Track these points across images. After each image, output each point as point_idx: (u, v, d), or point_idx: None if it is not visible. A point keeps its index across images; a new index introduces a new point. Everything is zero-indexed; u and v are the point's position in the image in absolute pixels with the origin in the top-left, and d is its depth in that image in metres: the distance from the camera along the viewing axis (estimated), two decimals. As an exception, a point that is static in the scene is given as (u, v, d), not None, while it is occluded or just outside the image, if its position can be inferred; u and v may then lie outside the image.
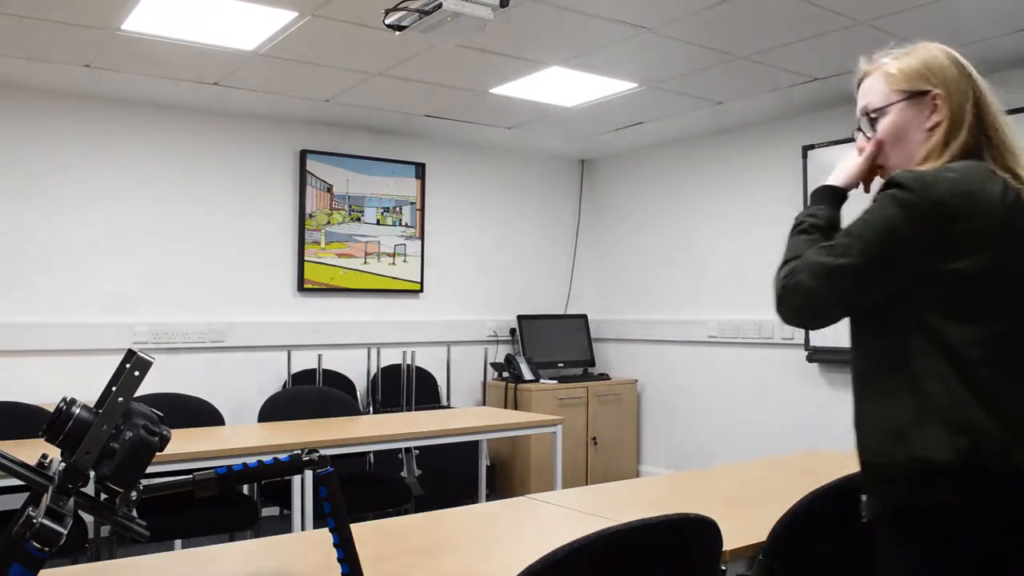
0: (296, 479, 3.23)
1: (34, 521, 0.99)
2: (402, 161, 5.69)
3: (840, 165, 1.57)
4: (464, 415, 4.41)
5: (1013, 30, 3.60)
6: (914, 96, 1.45)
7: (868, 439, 1.42)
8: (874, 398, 1.42)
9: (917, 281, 1.34)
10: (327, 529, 1.28)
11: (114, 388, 1.08)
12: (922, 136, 1.44)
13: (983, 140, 1.41)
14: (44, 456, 1.11)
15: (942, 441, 1.30)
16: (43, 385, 4.28)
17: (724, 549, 1.52)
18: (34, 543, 0.98)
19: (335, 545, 1.27)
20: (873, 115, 1.50)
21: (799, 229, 1.50)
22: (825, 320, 1.45)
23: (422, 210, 5.78)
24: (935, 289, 1.34)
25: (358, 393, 5.31)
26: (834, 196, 1.54)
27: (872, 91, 1.50)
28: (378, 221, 5.60)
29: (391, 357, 5.45)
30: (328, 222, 5.40)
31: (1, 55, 3.91)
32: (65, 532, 1.00)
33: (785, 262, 1.45)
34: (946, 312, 1.33)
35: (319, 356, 5.13)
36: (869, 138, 1.51)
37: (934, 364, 1.33)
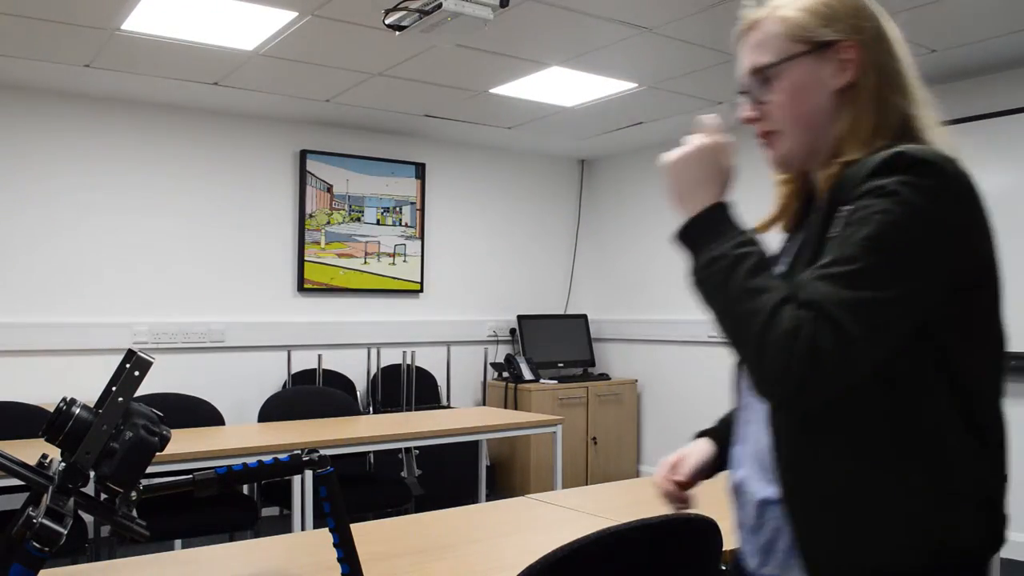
0: (296, 479, 3.23)
1: (34, 521, 0.99)
2: (402, 161, 5.69)
3: (699, 172, 1.12)
4: (464, 415, 4.41)
5: (1013, 30, 3.60)
6: (819, 48, 1.10)
7: (848, 532, 1.01)
8: (862, 472, 1.01)
9: (952, 302, 0.99)
10: (327, 529, 1.28)
11: (114, 388, 1.08)
12: (827, 103, 1.10)
13: (910, 113, 1.10)
14: (44, 456, 1.11)
15: (970, 520, 1.00)
16: (43, 385, 4.28)
17: (724, 549, 1.52)
18: (34, 543, 0.98)
19: (335, 545, 1.27)
20: (762, 76, 1.14)
21: (749, 267, 0.99)
22: (858, 379, 0.95)
23: (422, 210, 5.78)
24: (969, 311, 1.01)
25: (358, 393, 5.31)
26: (733, 213, 1.08)
27: (764, 44, 1.13)
28: (378, 221, 5.60)
29: (391, 357, 5.45)
30: (328, 222, 5.40)
31: (1, 55, 3.91)
32: (65, 532, 1.00)
33: (758, 313, 0.95)
34: (972, 343, 1.02)
35: (319, 356, 5.13)
36: (761, 104, 1.16)
37: (953, 414, 1.00)
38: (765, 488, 1.09)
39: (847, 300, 0.92)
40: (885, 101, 1.08)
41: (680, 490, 1.37)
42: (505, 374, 5.78)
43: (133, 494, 1.13)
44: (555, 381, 5.76)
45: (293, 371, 5.12)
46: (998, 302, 1.04)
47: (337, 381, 5.18)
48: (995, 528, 1.02)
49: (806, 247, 1.06)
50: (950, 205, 0.97)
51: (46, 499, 1.03)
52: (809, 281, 0.96)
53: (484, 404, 5.88)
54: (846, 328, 0.91)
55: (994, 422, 1.04)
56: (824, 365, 0.91)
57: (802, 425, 1.04)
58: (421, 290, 5.78)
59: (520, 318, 6.05)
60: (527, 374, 5.68)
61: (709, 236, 1.04)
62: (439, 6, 2.61)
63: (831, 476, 1.02)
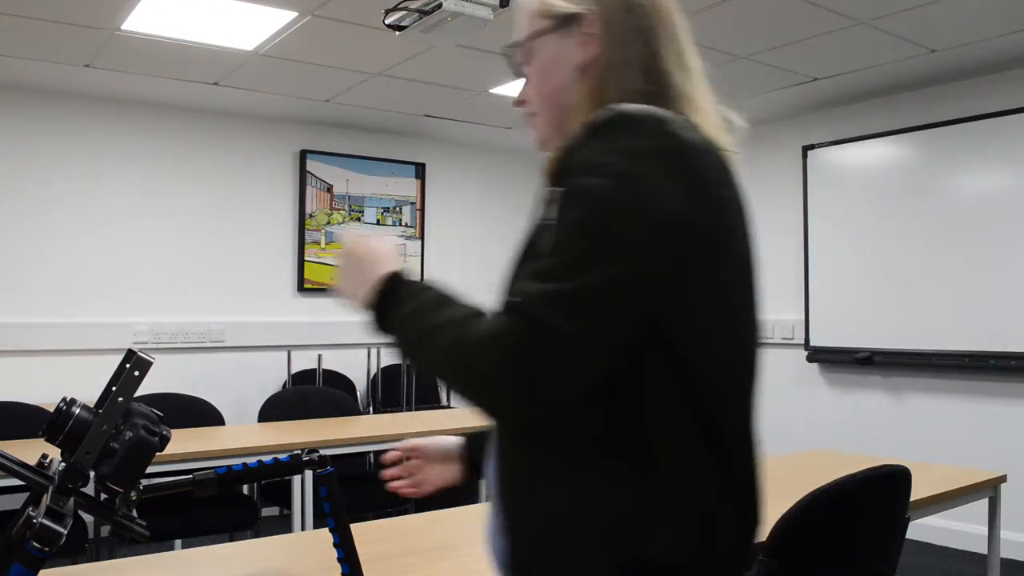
0: (296, 479, 3.23)
1: (34, 521, 0.99)
2: (402, 161, 5.69)
3: (356, 275, 1.09)
4: (464, 415, 4.40)
5: (1013, 30, 3.60)
6: (563, 23, 1.00)
7: (540, 549, 0.90)
8: (561, 484, 0.89)
9: (675, 283, 0.86)
10: (327, 529, 1.28)
11: (114, 388, 1.08)
12: (572, 80, 1.00)
13: (661, 87, 0.97)
14: (44, 456, 1.10)
15: (673, 530, 0.86)
16: (43, 385, 4.28)
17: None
18: (34, 543, 0.98)
19: (335, 545, 1.27)
20: (519, 56, 1.06)
21: (430, 308, 0.94)
22: (586, 381, 0.83)
23: (422, 210, 5.78)
24: (698, 296, 0.87)
25: (358, 393, 5.31)
26: (399, 277, 1.03)
27: (522, 23, 1.06)
28: (378, 221, 5.60)
29: (391, 357, 5.45)
30: (328, 222, 5.40)
31: (1, 55, 3.91)
32: (65, 532, 1.00)
33: (455, 342, 0.87)
34: (704, 333, 0.88)
35: (319, 356, 5.13)
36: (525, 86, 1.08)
37: (672, 412, 0.87)
38: None
39: (554, 294, 0.81)
40: (626, 76, 0.97)
41: (394, 457, 1.37)
42: (505, 374, 5.77)
43: (133, 494, 1.13)
44: (555, 381, 5.75)
45: (293, 371, 5.12)
46: (741, 287, 0.92)
47: (337, 381, 5.18)
48: (712, 546, 0.88)
49: (526, 245, 0.95)
50: (659, 173, 0.85)
51: (46, 499, 1.03)
52: (518, 282, 0.86)
53: (484, 404, 5.87)
54: (557, 327, 0.80)
55: (732, 429, 0.91)
56: (542, 373, 0.80)
57: (515, 455, 0.93)
58: (421, 290, 5.77)
59: (520, 318, 6.04)
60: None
61: (388, 311, 1.00)
62: (439, 6, 2.61)
63: (532, 493, 0.91)
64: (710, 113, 0.99)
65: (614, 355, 0.83)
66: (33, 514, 0.99)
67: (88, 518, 3.14)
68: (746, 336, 0.94)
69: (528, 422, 0.87)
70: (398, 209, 5.68)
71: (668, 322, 0.85)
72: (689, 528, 0.87)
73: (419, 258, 5.76)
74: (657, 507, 0.86)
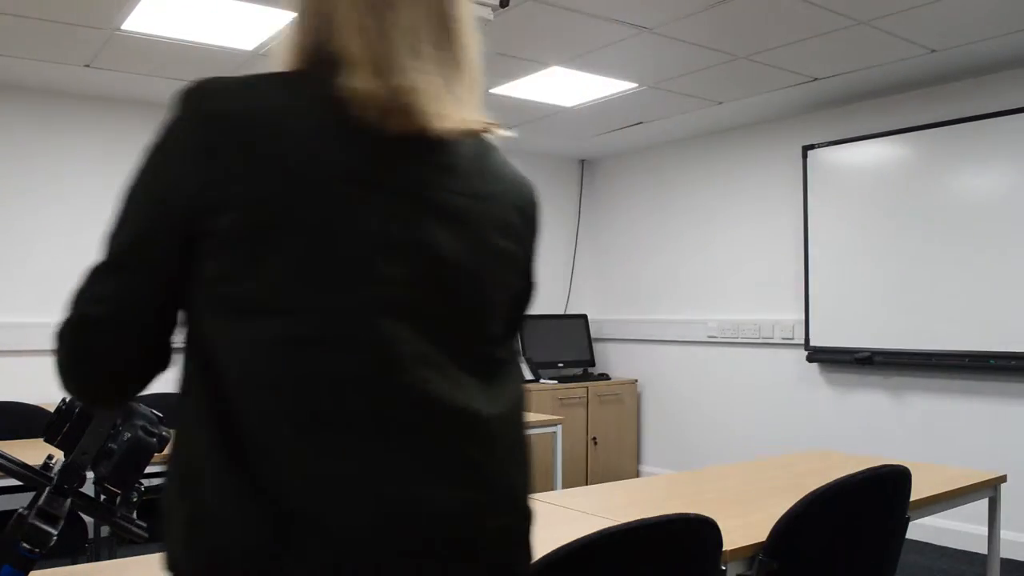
0: (296, 479, 3.22)
1: (25, 521, 0.99)
2: (402, 161, 5.68)
3: None
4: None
5: (1013, 30, 3.60)
6: None
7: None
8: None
9: (189, 253, 0.82)
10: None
11: (113, 388, 1.07)
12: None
13: (329, 43, 0.90)
14: (50, 457, 1.11)
15: (182, 538, 0.81)
16: (43, 385, 4.27)
17: (724, 549, 1.52)
18: (24, 544, 0.98)
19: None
20: None
21: None
22: (118, 361, 0.90)
23: (422, 210, 5.77)
24: (203, 263, 0.82)
25: (358, 393, 5.31)
26: None
27: None
28: (378, 221, 5.59)
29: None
30: (328, 222, 5.40)
31: (1, 55, 3.91)
32: (55, 533, 1.00)
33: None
34: (210, 304, 0.84)
35: (319, 356, 5.12)
36: None
37: (194, 399, 0.85)
38: None
39: (83, 274, 0.87)
40: (304, 35, 0.95)
41: None
42: (505, 374, 5.77)
43: (134, 495, 1.13)
44: (555, 381, 5.75)
45: (293, 371, 5.12)
46: (280, 269, 0.81)
47: (337, 381, 5.17)
48: (214, 568, 0.79)
49: None
50: (178, 133, 0.84)
51: (40, 500, 1.03)
52: None
53: (484, 404, 5.87)
54: (73, 310, 0.87)
55: (270, 445, 0.79)
56: (66, 354, 0.87)
57: None
58: (421, 290, 5.77)
59: (520, 318, 6.04)
60: (527, 374, 5.68)
61: None
62: (439, 6, 2.61)
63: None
64: (379, 67, 0.89)
65: (119, 335, 0.88)
66: (25, 514, 0.99)
67: (89, 518, 3.13)
68: (306, 331, 0.81)
69: (87, 393, 0.94)
70: (398, 209, 5.68)
71: (179, 304, 0.87)
72: (196, 539, 0.80)
73: (419, 258, 5.75)
74: (181, 497, 0.83)
